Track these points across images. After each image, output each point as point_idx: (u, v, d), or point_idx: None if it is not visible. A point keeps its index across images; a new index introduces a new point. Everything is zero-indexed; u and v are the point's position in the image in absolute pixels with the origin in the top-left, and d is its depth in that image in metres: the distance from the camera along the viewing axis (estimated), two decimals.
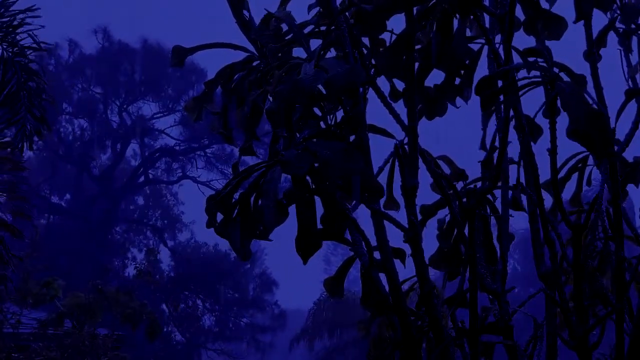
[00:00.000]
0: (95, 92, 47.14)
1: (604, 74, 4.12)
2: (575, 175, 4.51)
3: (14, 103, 12.57)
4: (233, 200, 3.55)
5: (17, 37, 12.82)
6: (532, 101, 3.84)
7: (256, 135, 3.84)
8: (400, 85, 3.86)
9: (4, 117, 12.79)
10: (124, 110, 47.67)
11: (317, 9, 3.84)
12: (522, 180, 4.07)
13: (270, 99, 3.74)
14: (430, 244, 4.30)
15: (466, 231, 3.81)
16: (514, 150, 4.01)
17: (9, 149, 13.11)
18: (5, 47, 12.69)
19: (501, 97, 3.83)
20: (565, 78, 3.66)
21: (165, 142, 48.32)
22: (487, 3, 3.92)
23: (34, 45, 12.78)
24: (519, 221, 4.35)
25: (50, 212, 46.14)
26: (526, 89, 3.73)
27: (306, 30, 3.87)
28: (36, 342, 18.19)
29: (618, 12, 4.28)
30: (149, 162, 48.55)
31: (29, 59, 12.85)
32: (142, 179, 49.05)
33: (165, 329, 40.33)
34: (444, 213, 4.24)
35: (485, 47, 3.95)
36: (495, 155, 3.85)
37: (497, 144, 4.00)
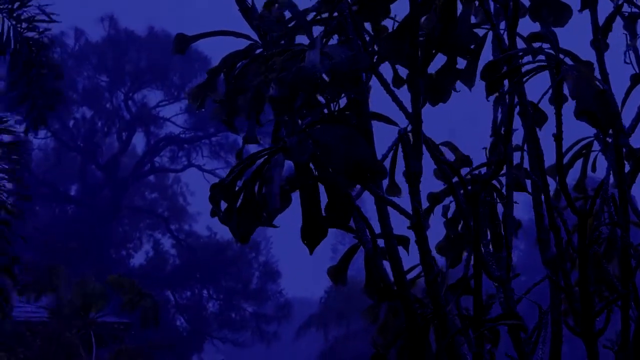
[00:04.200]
0: (101, 80, 47.18)
1: (611, 59, 4.11)
2: (579, 162, 4.51)
3: (26, 81, 12.54)
4: (237, 187, 3.55)
5: (25, 12, 12.80)
6: (539, 88, 3.82)
7: (259, 121, 3.83)
8: (402, 72, 3.85)
9: (16, 95, 12.79)
10: (130, 99, 47.71)
11: None
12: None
13: (273, 86, 3.72)
14: (439, 230, 4.30)
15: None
16: (518, 136, 4.01)
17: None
18: (13, 23, 12.66)
19: (506, 83, 3.82)
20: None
21: (171, 130, 48.39)
22: None
23: (44, 18, 12.73)
24: (527, 209, 4.34)
25: (57, 200, 46.24)
26: (532, 74, 3.71)
27: (309, 17, 3.85)
28: (41, 330, 18.28)
29: None
30: (155, 151, 48.59)
31: (38, 31, 12.81)
32: (147, 167, 49.11)
33: (170, 317, 40.47)
34: (449, 199, 4.24)
35: (490, 33, 3.94)
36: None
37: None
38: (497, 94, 3.98)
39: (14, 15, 12.52)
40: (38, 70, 12.53)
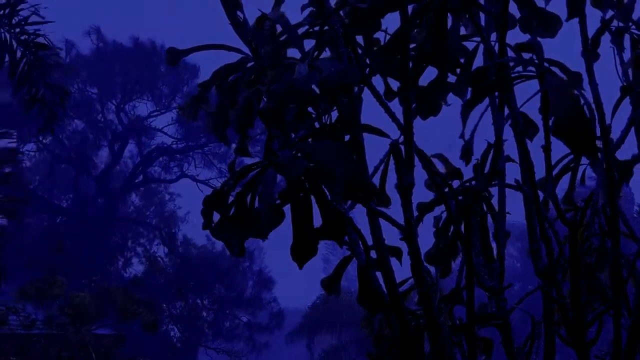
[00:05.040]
0: (92, 93, 47.12)
1: (602, 70, 4.13)
2: (568, 174, 4.52)
3: (31, 84, 12.49)
4: (230, 200, 3.55)
5: (17, 16, 12.78)
6: (531, 100, 3.84)
7: (248, 135, 3.85)
8: (394, 84, 3.87)
9: (23, 99, 12.74)
10: (121, 110, 47.66)
11: (311, 9, 3.85)
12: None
13: (264, 98, 3.74)
14: (429, 241, 4.31)
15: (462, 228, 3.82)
16: (509, 147, 4.03)
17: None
18: (6, 29, 12.63)
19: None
20: (562, 75, 3.66)
21: (162, 140, 48.34)
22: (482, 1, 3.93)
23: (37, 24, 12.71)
24: (518, 217, 4.36)
25: (50, 212, 46.13)
26: (516, 81, 3.73)
27: (300, 31, 3.87)
28: (37, 342, 18.22)
29: (612, 11, 4.28)
30: (147, 161, 48.52)
31: (34, 34, 12.78)
32: (140, 178, 49.03)
33: (164, 328, 40.33)
34: (440, 210, 4.26)
35: (481, 46, 3.95)
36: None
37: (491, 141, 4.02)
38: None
39: (11, 22, 12.51)
40: (40, 69, 12.51)
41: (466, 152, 4.09)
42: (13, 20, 12.71)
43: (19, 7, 12.73)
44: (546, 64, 3.62)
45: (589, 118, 3.51)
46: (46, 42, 13.17)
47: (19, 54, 12.62)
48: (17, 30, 12.71)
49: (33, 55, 12.64)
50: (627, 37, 4.37)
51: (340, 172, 3.26)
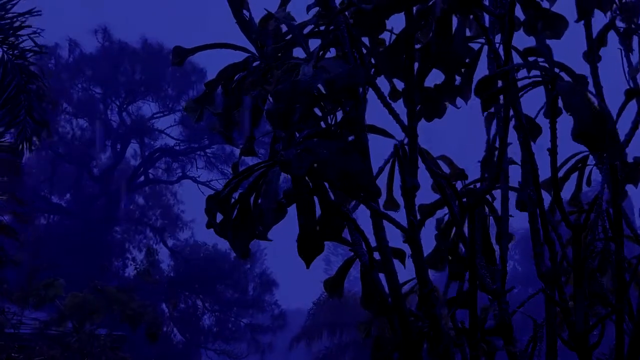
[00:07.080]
0: (95, 92, 47.10)
1: (604, 72, 4.12)
2: (574, 176, 4.51)
3: (14, 106, 12.55)
4: (233, 200, 3.55)
5: (18, 39, 12.80)
6: (533, 101, 3.83)
7: (254, 135, 3.85)
8: (399, 85, 3.86)
9: (4, 120, 12.79)
10: (124, 110, 47.64)
11: (317, 8, 3.84)
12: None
13: (270, 99, 3.73)
14: (430, 244, 4.30)
15: (466, 231, 3.81)
16: (514, 150, 4.02)
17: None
18: (5, 49, 12.66)
19: (501, 97, 3.82)
20: (566, 78, 3.65)
21: (165, 142, 48.32)
22: (486, 2, 3.92)
23: (35, 49, 12.75)
24: (518, 220, 4.36)
25: (51, 212, 46.11)
26: (527, 89, 3.72)
27: (305, 31, 3.86)
28: (36, 342, 18.20)
29: (617, 11, 4.27)
30: (149, 162, 48.52)
31: (29, 62, 12.80)
32: (142, 178, 49.02)
33: (165, 329, 40.27)
34: (442, 212, 4.24)
35: (485, 47, 3.94)
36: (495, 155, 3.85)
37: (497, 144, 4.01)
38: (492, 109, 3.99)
39: (8, 41, 12.52)
40: (27, 97, 12.54)
41: (487, 162, 4.08)
42: (13, 41, 12.74)
43: (19, 33, 12.73)
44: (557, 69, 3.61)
45: (609, 118, 3.50)
46: (38, 73, 13.22)
47: (9, 77, 12.64)
48: (16, 52, 12.74)
49: (24, 82, 12.66)
50: (634, 39, 4.37)
51: (344, 168, 3.25)
